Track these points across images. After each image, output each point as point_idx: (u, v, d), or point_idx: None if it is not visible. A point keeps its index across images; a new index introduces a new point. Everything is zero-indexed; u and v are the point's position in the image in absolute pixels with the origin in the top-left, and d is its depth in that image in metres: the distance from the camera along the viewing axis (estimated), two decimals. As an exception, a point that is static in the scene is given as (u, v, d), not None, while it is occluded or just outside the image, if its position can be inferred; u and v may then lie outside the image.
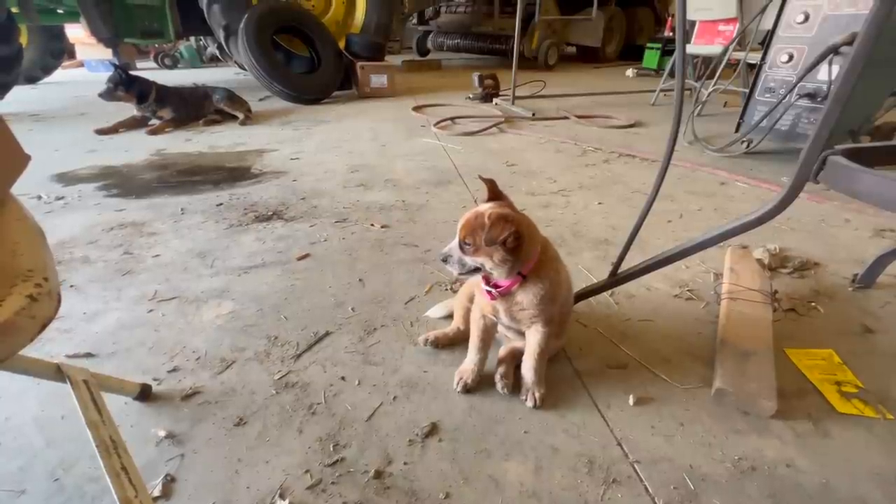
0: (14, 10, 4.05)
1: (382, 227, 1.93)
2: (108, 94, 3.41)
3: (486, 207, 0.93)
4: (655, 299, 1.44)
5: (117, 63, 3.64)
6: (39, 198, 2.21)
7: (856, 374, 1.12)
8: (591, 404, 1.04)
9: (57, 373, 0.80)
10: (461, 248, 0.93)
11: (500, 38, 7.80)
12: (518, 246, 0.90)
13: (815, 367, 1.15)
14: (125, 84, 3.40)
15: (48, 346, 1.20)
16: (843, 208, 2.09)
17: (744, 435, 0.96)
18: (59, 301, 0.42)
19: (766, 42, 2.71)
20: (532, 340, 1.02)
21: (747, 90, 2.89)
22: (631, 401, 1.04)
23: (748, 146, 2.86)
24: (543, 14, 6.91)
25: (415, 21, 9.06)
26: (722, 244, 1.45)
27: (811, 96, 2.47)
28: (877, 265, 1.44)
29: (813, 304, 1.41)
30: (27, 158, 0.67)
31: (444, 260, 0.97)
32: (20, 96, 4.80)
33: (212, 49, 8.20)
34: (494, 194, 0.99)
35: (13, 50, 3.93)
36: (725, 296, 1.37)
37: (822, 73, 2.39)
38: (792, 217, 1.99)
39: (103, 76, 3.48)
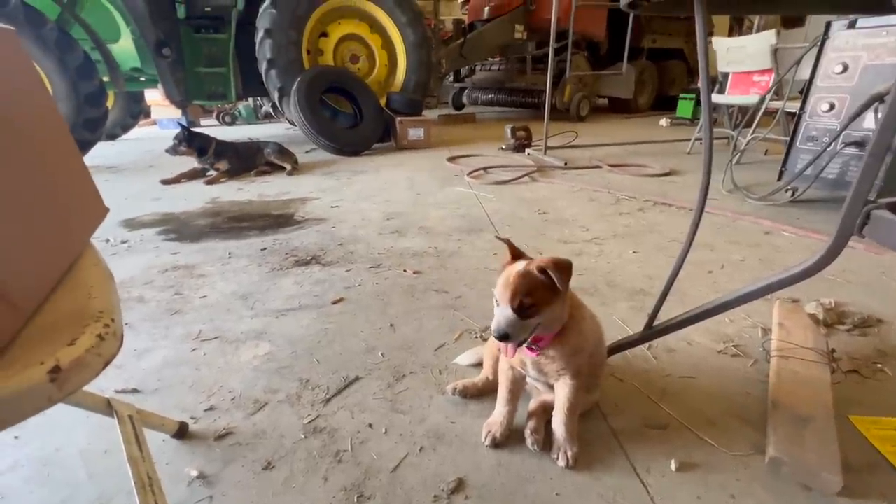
0: (105, 79, 4.69)
1: (415, 273, 1.97)
2: (173, 150, 3.81)
3: (524, 265, 0.90)
4: (697, 354, 1.36)
5: (183, 123, 4.10)
6: (107, 241, 2.44)
7: (937, 448, 0.99)
8: (629, 467, 0.98)
9: (107, 407, 0.85)
10: (520, 314, 0.86)
11: (532, 92, 8.13)
12: (566, 290, 0.90)
13: (888, 438, 1.03)
14: (188, 140, 3.80)
15: (99, 381, 1.28)
16: (906, 260, 1.94)
17: (806, 513, 0.86)
18: (121, 341, 0.47)
19: (804, 92, 2.68)
20: (561, 394, 0.98)
21: (788, 138, 2.84)
22: (673, 466, 0.97)
23: (793, 194, 2.76)
24: (574, 70, 7.18)
25: (451, 79, 9.65)
26: (769, 297, 1.38)
27: (858, 144, 2.38)
28: (951, 324, 1.31)
29: (879, 365, 1.29)
30: (105, 210, 0.76)
31: (504, 338, 0.87)
32: (101, 151, 5.42)
33: (266, 107, 9.03)
34: (517, 253, 0.97)
35: (101, 113, 4.51)
36: (775, 353, 1.28)
37: (868, 120, 2.33)
38: (847, 269, 1.87)
39: (173, 132, 3.90)
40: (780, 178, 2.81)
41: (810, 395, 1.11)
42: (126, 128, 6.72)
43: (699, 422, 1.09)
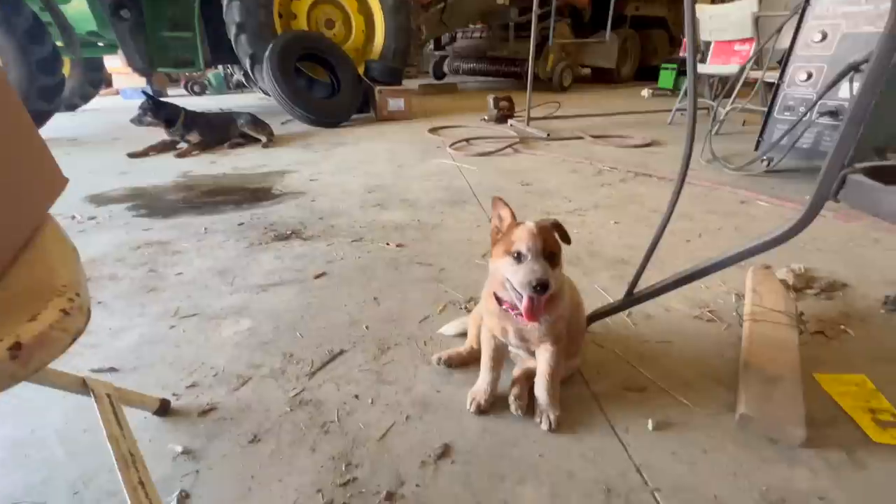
0: (59, 43, 4.35)
1: (398, 246, 1.95)
2: (138, 120, 3.60)
3: (533, 222, 0.91)
4: (674, 320, 1.40)
5: (149, 91, 3.83)
6: (73, 217, 2.32)
7: (891, 401, 1.06)
8: (609, 428, 1.01)
9: (82, 386, 0.83)
10: (551, 263, 0.87)
11: (514, 61, 7.96)
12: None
13: (847, 393, 1.10)
14: (154, 110, 3.59)
15: (75, 360, 1.24)
16: (872, 227, 2.02)
17: (772, 464, 0.92)
18: (88, 316, 0.44)
19: (783, 61, 2.69)
20: (542, 360, 1.00)
21: (766, 109, 2.87)
22: (650, 425, 1.01)
23: (769, 164, 2.82)
24: (557, 38, 7.04)
25: (432, 47, 9.34)
26: (743, 264, 1.42)
27: (833, 114, 2.42)
28: (910, 286, 1.38)
29: (843, 326, 1.35)
30: (65, 181, 0.71)
31: (544, 287, 0.83)
32: (60, 123, 5.10)
33: (238, 76, 8.60)
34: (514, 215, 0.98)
35: (56, 81, 4.20)
36: (748, 317, 1.33)
37: (844, 90, 2.36)
38: (817, 237, 1.93)
39: (137, 103, 3.68)
40: (757, 149, 2.86)
41: (779, 356, 1.16)
42: (86, 98, 6.32)
43: (675, 384, 1.14)
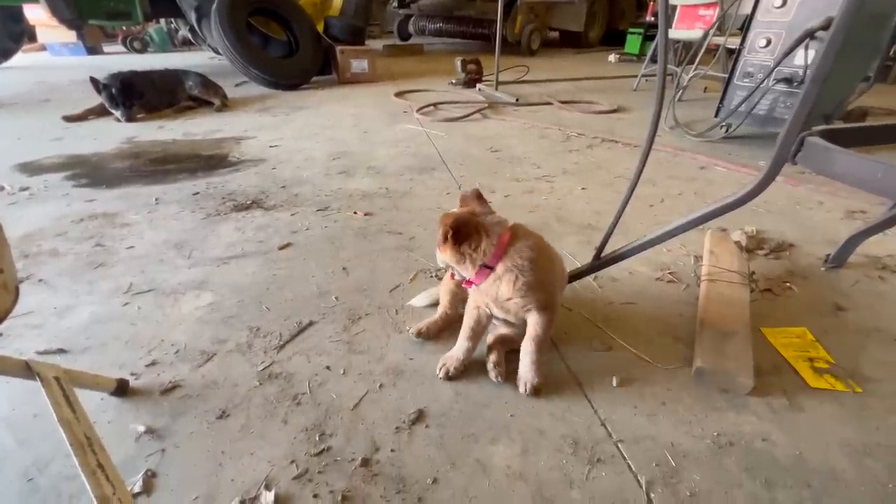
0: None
1: (366, 214, 1.90)
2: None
3: (449, 214, 1.00)
4: (638, 282, 1.46)
5: (97, 78, 3.27)
6: (2, 188, 2.11)
7: (827, 350, 1.16)
8: (577, 387, 1.06)
9: (25, 370, 0.77)
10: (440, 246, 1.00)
11: (482, 22, 7.68)
12: (457, 241, 0.95)
13: (790, 344, 1.19)
14: (122, 90, 3.23)
15: (17, 343, 1.15)
16: (816, 191, 2.15)
17: (722, 412, 0.99)
18: (16, 294, 0.40)
19: (745, 27, 2.73)
20: (532, 324, 1.01)
21: (727, 75, 2.92)
22: (615, 382, 1.06)
23: (727, 131, 2.90)
24: (526, -3, 6.83)
25: (395, 4, 8.85)
26: (702, 227, 1.48)
27: (788, 81, 2.50)
28: (848, 245, 1.49)
29: (788, 284, 1.45)
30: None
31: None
32: (-23, 82, 4.53)
33: (183, 32, 7.85)
34: (464, 203, 1.06)
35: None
36: (705, 277, 1.40)
37: (799, 57, 2.43)
38: (768, 200, 2.03)
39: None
40: (717, 115, 2.93)
41: (732, 313, 1.24)
42: (6, 53, 5.62)
43: (638, 342, 1.19)
